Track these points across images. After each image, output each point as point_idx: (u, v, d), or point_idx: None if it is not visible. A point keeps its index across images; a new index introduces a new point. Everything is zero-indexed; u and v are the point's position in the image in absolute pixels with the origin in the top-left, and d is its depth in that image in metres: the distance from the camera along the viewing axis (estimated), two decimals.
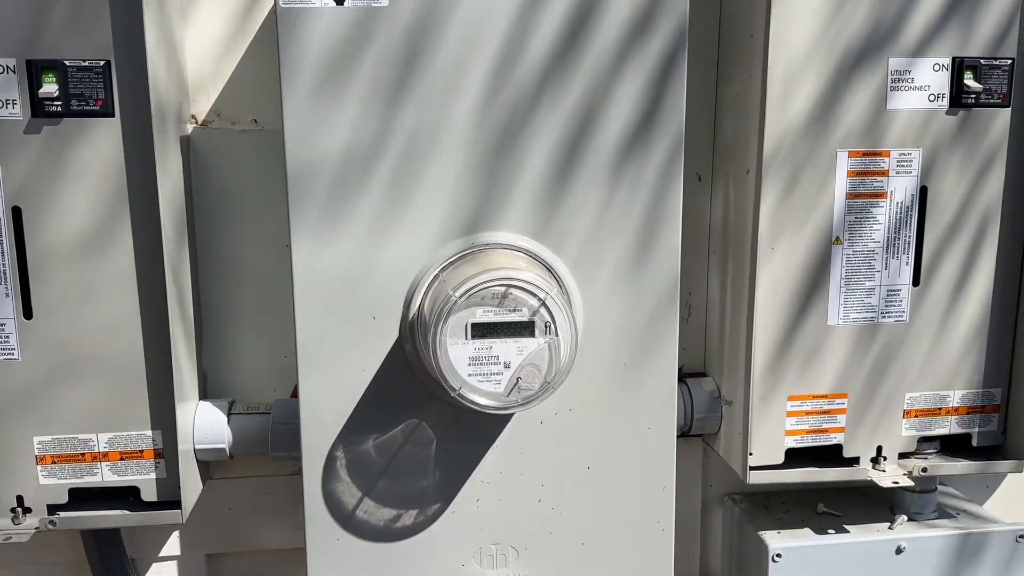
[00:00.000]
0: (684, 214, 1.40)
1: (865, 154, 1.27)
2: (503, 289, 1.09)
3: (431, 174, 1.15)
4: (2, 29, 1.10)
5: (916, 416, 1.36)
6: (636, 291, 1.21)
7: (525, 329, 1.10)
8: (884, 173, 1.28)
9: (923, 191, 1.29)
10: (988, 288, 1.34)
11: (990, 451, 1.40)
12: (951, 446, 1.40)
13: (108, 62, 1.13)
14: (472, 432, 1.22)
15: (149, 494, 1.24)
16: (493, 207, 1.17)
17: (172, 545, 1.44)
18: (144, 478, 1.23)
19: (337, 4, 1.11)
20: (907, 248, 1.31)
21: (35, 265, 1.16)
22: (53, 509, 1.23)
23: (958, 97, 1.27)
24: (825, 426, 1.34)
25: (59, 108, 1.13)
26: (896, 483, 1.31)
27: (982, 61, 1.27)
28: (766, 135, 1.24)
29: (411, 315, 1.17)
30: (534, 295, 1.09)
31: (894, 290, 1.32)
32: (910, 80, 1.26)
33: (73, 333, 1.18)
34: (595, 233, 1.19)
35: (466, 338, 1.09)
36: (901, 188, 1.29)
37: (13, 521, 1.21)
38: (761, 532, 1.37)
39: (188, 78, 1.34)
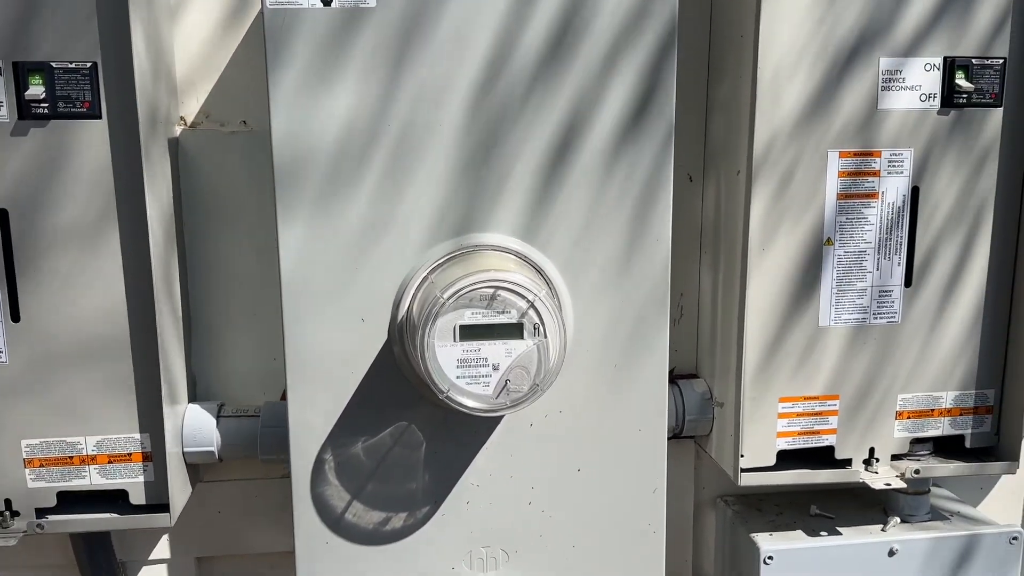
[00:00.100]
0: (675, 215, 1.40)
1: (856, 154, 1.27)
2: (491, 291, 1.08)
3: (420, 176, 1.15)
4: None
5: (908, 417, 1.35)
6: (626, 292, 1.21)
7: (514, 331, 1.09)
8: (876, 173, 1.28)
9: (915, 191, 1.29)
10: (981, 289, 1.33)
11: (983, 452, 1.39)
12: (944, 447, 1.39)
13: (95, 64, 1.12)
14: (462, 434, 1.21)
15: (137, 497, 1.23)
16: (482, 208, 1.17)
17: (162, 548, 1.43)
18: (132, 481, 1.23)
19: (324, 5, 1.10)
20: (899, 249, 1.30)
21: (22, 268, 1.16)
22: (41, 512, 1.22)
23: (950, 97, 1.27)
24: (817, 428, 1.33)
25: (46, 110, 1.12)
26: (888, 485, 1.31)
27: (973, 61, 1.27)
28: (756, 135, 1.23)
29: (400, 317, 1.16)
30: (523, 297, 1.08)
31: (886, 291, 1.31)
32: (901, 80, 1.25)
33: (61, 336, 1.18)
34: (585, 234, 1.19)
35: (454, 340, 1.08)
36: (893, 188, 1.28)
37: (1, 525, 1.20)
38: (753, 534, 1.37)
39: (177, 80, 1.34)
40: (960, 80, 1.26)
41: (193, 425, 1.29)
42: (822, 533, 1.37)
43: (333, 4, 1.10)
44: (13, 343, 1.17)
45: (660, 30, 1.15)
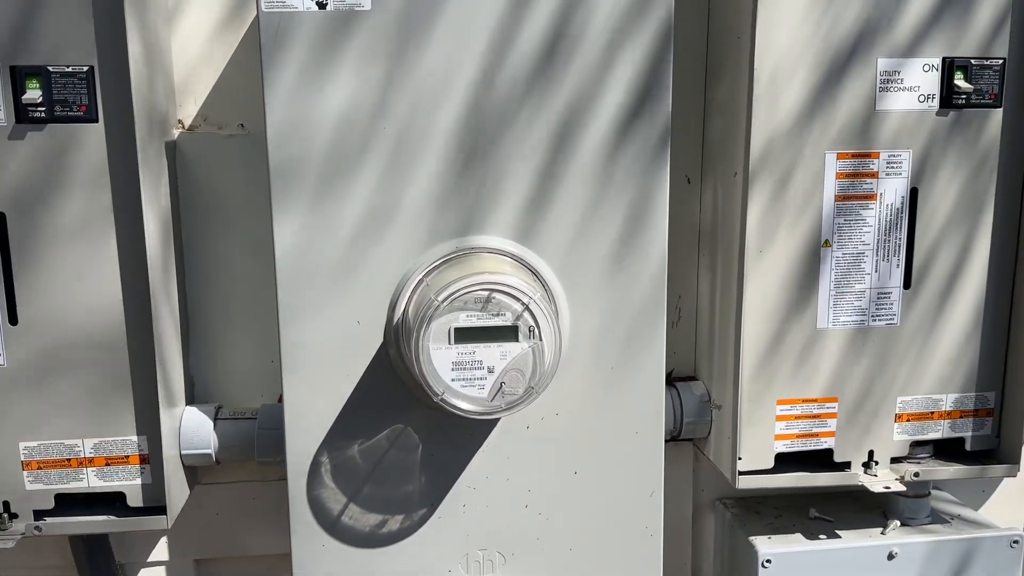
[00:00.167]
0: (674, 217, 1.40)
1: (854, 156, 1.26)
2: (486, 293, 1.08)
3: (416, 178, 1.15)
4: None
5: (908, 420, 1.34)
6: (623, 294, 1.20)
7: (509, 334, 1.09)
8: (874, 175, 1.27)
9: (913, 193, 1.28)
10: (981, 290, 1.33)
11: (984, 455, 1.38)
12: (944, 450, 1.39)
13: (92, 68, 1.13)
14: (458, 437, 1.21)
15: (135, 499, 1.24)
16: (479, 211, 1.16)
17: (160, 550, 1.43)
18: (130, 483, 1.23)
19: (319, 8, 1.11)
20: (898, 250, 1.30)
21: (20, 271, 1.16)
22: (39, 515, 1.22)
23: (948, 98, 1.26)
24: (815, 430, 1.33)
25: (43, 114, 1.13)
26: (888, 488, 1.30)
27: (972, 61, 1.26)
28: (753, 137, 1.23)
29: (396, 319, 1.16)
30: (517, 299, 1.08)
31: (884, 293, 1.30)
32: (900, 81, 1.25)
33: (59, 338, 1.18)
34: (581, 236, 1.18)
35: (449, 343, 1.08)
36: (891, 190, 1.28)
37: None
38: (751, 537, 1.36)
39: (175, 83, 1.34)
40: (959, 81, 1.26)
41: (190, 427, 1.29)
42: (821, 536, 1.37)
43: (328, 7, 1.11)
44: (11, 346, 1.18)
45: (656, 32, 1.15)
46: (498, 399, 1.10)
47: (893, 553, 1.33)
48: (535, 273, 1.17)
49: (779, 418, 1.32)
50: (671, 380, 1.46)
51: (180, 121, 1.35)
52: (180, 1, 1.32)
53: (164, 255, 1.24)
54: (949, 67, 1.25)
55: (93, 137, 1.14)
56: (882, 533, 1.37)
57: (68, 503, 1.23)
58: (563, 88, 1.14)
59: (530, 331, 1.09)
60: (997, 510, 1.57)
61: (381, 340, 1.17)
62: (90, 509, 1.24)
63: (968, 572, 1.35)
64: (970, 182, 1.29)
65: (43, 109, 1.12)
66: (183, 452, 1.28)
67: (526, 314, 1.08)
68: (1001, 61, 1.26)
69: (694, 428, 1.41)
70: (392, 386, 1.19)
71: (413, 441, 1.21)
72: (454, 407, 1.09)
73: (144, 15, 1.19)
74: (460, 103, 1.13)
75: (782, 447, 1.32)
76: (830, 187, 1.26)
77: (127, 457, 1.23)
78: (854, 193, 1.27)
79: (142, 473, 1.23)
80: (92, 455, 1.22)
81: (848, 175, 1.26)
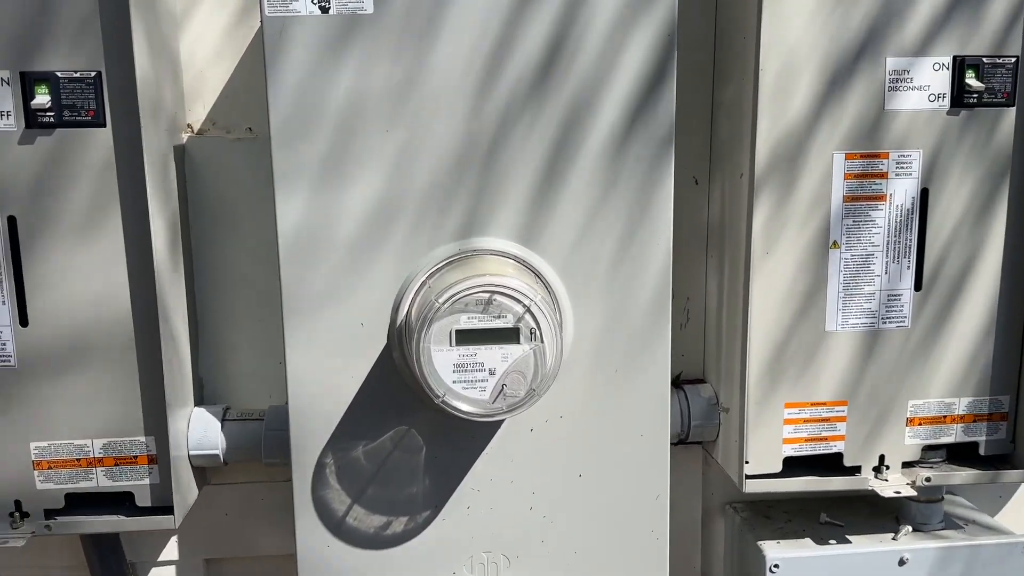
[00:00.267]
0: (682, 219, 1.40)
1: (863, 156, 1.25)
2: (487, 295, 1.08)
3: (419, 180, 1.15)
4: None
5: (920, 424, 1.32)
6: (627, 296, 1.20)
7: (510, 336, 1.09)
8: (883, 175, 1.25)
9: (924, 193, 1.26)
10: (994, 292, 1.30)
11: (998, 460, 1.36)
12: (958, 455, 1.36)
13: (99, 73, 1.14)
14: (462, 439, 1.21)
15: (143, 499, 1.25)
16: (482, 212, 1.17)
17: (171, 550, 1.45)
18: (138, 483, 1.25)
19: (322, 12, 1.11)
20: (908, 252, 1.28)
21: (31, 273, 1.18)
22: (50, 514, 1.24)
23: (959, 97, 1.24)
24: (825, 434, 1.31)
25: (52, 119, 1.14)
26: (898, 493, 1.28)
27: (984, 60, 1.24)
28: (759, 137, 1.22)
29: (399, 322, 1.16)
30: (519, 301, 1.08)
31: (895, 295, 1.29)
32: (909, 80, 1.23)
33: (68, 340, 1.20)
34: (585, 238, 1.18)
35: (450, 345, 1.09)
36: (901, 190, 1.26)
37: (11, 526, 1.23)
38: (760, 542, 1.35)
39: (184, 87, 1.35)
40: (970, 79, 1.24)
41: (198, 428, 1.31)
42: (831, 541, 1.35)
43: (331, 11, 1.11)
44: (22, 347, 1.19)
45: (660, 32, 1.14)
46: (499, 401, 1.10)
47: (904, 559, 1.31)
48: (538, 275, 1.17)
49: (787, 421, 1.30)
50: (679, 383, 1.45)
51: (189, 125, 1.36)
52: (189, 7, 1.33)
53: (171, 258, 1.26)
54: (960, 66, 1.23)
55: (101, 141, 1.16)
56: (893, 539, 1.35)
57: (78, 503, 1.25)
58: (566, 89, 1.14)
59: (531, 333, 1.09)
60: (1014, 517, 1.54)
61: (385, 342, 1.18)
62: (100, 509, 1.25)
63: None
64: (983, 182, 1.27)
65: (52, 114, 1.14)
66: (191, 453, 1.30)
67: (527, 316, 1.08)
68: (1014, 59, 1.24)
69: (702, 431, 1.40)
70: (396, 388, 1.19)
71: (417, 443, 1.21)
72: (455, 409, 1.09)
73: (152, 21, 1.20)
74: (463, 105, 1.14)
75: (790, 451, 1.31)
76: (838, 188, 1.25)
77: (135, 457, 1.24)
78: (863, 194, 1.26)
79: (150, 473, 1.24)
80: (101, 455, 1.23)
81: (857, 176, 1.25)
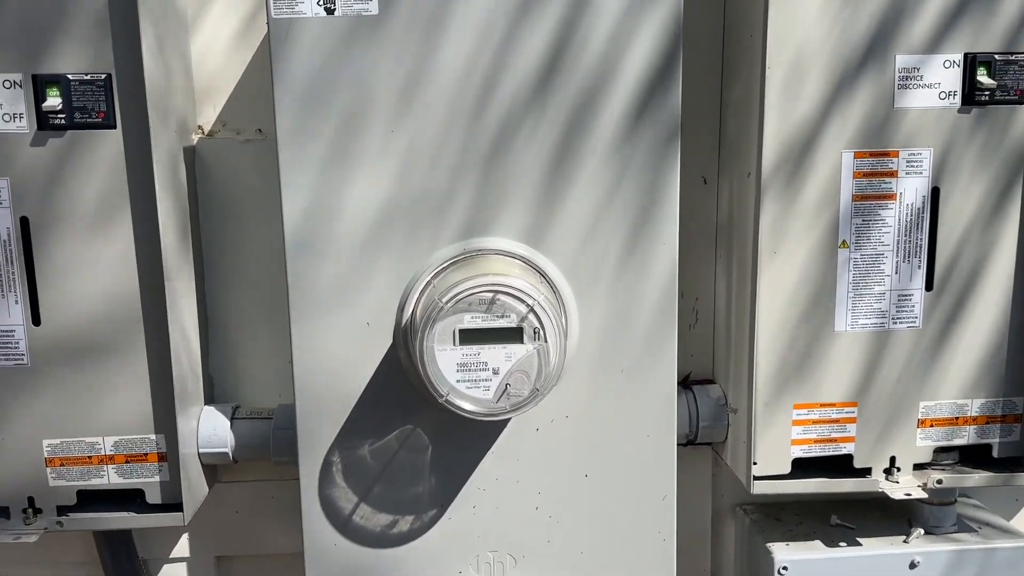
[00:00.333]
0: (690, 219, 1.39)
1: (872, 155, 1.23)
2: (491, 295, 1.08)
3: (425, 180, 1.15)
4: (8, 45, 1.14)
5: (932, 426, 1.31)
6: (633, 297, 1.20)
7: (514, 335, 1.09)
8: (893, 174, 1.24)
9: (935, 192, 1.25)
10: (1008, 292, 1.28)
11: (1012, 462, 1.34)
12: (971, 457, 1.34)
13: (109, 75, 1.16)
14: (467, 438, 1.22)
15: (153, 497, 1.27)
16: (487, 212, 1.17)
17: (182, 547, 1.46)
18: (148, 481, 1.26)
19: (328, 13, 1.12)
20: (919, 251, 1.26)
21: (42, 273, 1.20)
22: (63, 510, 1.26)
23: (971, 95, 1.23)
24: (834, 435, 1.30)
25: (63, 121, 1.16)
26: (908, 495, 1.27)
27: (996, 57, 1.22)
28: (766, 136, 1.21)
29: (404, 321, 1.17)
30: (522, 301, 1.08)
31: (905, 295, 1.27)
32: (919, 78, 1.22)
33: (79, 339, 1.21)
34: (590, 238, 1.18)
35: (454, 344, 1.09)
36: (911, 189, 1.25)
37: (24, 522, 1.25)
38: (769, 543, 1.34)
39: (195, 89, 1.37)
40: (982, 77, 1.22)
41: (208, 426, 1.32)
42: (841, 544, 1.34)
43: (336, 13, 1.12)
44: (34, 346, 1.21)
45: (665, 30, 1.14)
46: (503, 400, 1.10)
47: (915, 562, 1.30)
48: (543, 275, 1.17)
49: (796, 423, 1.29)
50: (688, 383, 1.44)
51: (200, 127, 1.37)
52: (200, 11, 1.35)
53: (180, 258, 1.27)
54: (971, 63, 1.22)
55: (111, 143, 1.17)
56: (905, 541, 1.33)
57: (90, 499, 1.26)
58: (571, 87, 1.14)
59: (535, 333, 1.09)
60: None
61: (390, 342, 1.18)
62: (111, 506, 1.27)
63: None
64: (996, 180, 1.26)
65: (63, 116, 1.16)
66: (200, 451, 1.31)
67: (531, 316, 1.08)
68: None
69: (711, 432, 1.39)
70: (401, 387, 1.19)
71: (423, 442, 1.22)
72: (459, 408, 1.10)
73: (161, 24, 1.21)
74: (468, 104, 1.14)
75: (799, 452, 1.30)
76: (847, 186, 1.24)
77: (146, 455, 1.25)
78: (872, 192, 1.24)
79: (160, 471, 1.26)
80: (112, 453, 1.25)
81: (866, 174, 1.24)
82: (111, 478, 1.26)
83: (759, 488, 1.29)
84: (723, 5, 1.37)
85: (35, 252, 1.19)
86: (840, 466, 1.32)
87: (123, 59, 1.15)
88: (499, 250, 1.17)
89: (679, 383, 1.43)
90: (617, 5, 1.13)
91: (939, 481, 1.29)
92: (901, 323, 1.28)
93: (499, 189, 1.16)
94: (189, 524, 1.29)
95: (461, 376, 1.09)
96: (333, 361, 1.18)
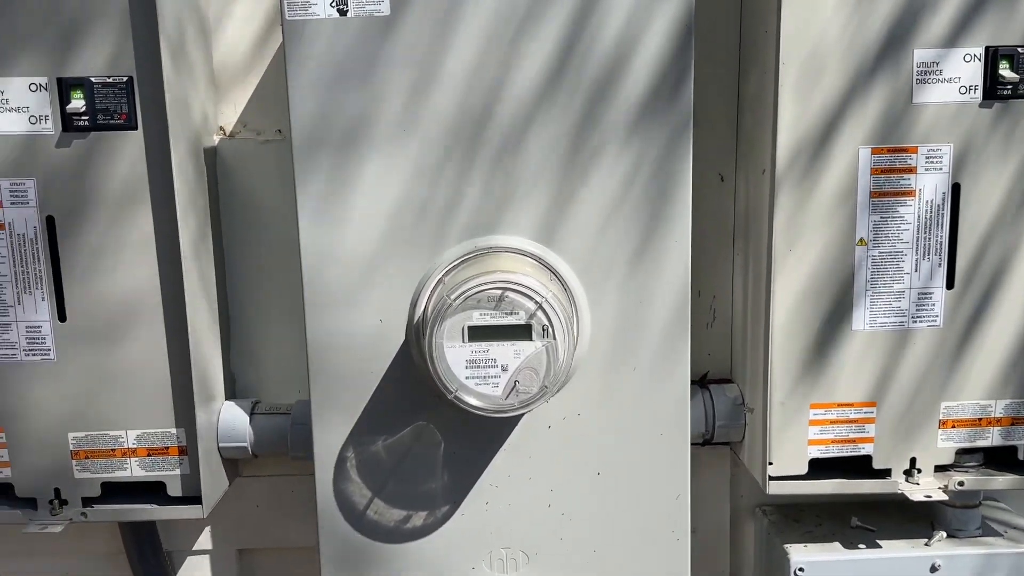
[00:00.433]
0: (707, 216, 1.39)
1: (890, 151, 1.21)
2: (499, 292, 1.09)
3: (437, 179, 1.17)
4: (35, 49, 1.18)
5: (954, 427, 1.28)
6: (645, 294, 1.19)
7: (522, 332, 1.10)
8: (911, 170, 1.22)
9: (956, 188, 1.23)
10: None
11: None
12: (996, 459, 1.31)
13: (131, 78, 1.19)
14: (479, 435, 1.22)
15: (174, 489, 1.29)
16: (499, 210, 1.17)
17: (205, 539, 1.49)
18: (169, 474, 1.29)
19: (340, 15, 1.14)
20: (939, 249, 1.24)
21: (68, 270, 1.23)
22: (87, 502, 1.29)
23: (992, 89, 1.20)
24: (852, 436, 1.28)
25: (86, 122, 1.19)
26: (928, 497, 1.24)
27: (1020, 50, 1.19)
28: (780, 132, 1.20)
29: (416, 318, 1.18)
30: (531, 298, 1.09)
31: (926, 293, 1.25)
32: (938, 72, 1.20)
33: (103, 335, 1.24)
34: (602, 235, 1.18)
35: (463, 341, 1.10)
36: (931, 185, 1.22)
37: (51, 512, 1.28)
38: (786, 544, 1.32)
39: (216, 91, 1.40)
40: (1004, 70, 1.19)
41: (227, 421, 1.34)
42: (860, 546, 1.32)
43: (349, 14, 1.14)
44: (60, 341, 1.25)
45: (677, 26, 1.14)
46: (512, 397, 1.11)
47: (936, 565, 1.27)
48: (554, 272, 1.17)
49: (813, 422, 1.27)
50: (706, 382, 1.43)
51: (221, 127, 1.40)
52: (222, 13, 1.37)
53: (199, 256, 1.30)
54: (993, 56, 1.19)
55: (133, 144, 1.20)
56: (926, 544, 1.31)
57: (114, 491, 1.30)
58: (582, 85, 1.14)
59: (544, 330, 1.09)
60: None
61: (403, 338, 1.20)
62: (134, 497, 1.30)
63: None
64: (1019, 176, 1.23)
65: (87, 118, 1.19)
66: (220, 445, 1.34)
67: (539, 313, 1.09)
68: None
69: (727, 432, 1.38)
70: (414, 384, 1.20)
71: (435, 438, 1.23)
72: (467, 404, 1.10)
73: (182, 27, 1.24)
74: (480, 102, 1.15)
75: (816, 452, 1.28)
76: (864, 183, 1.22)
77: (167, 448, 1.28)
78: (891, 189, 1.22)
79: (180, 464, 1.29)
80: (135, 446, 1.28)
81: (884, 171, 1.22)
82: (134, 471, 1.29)
83: (775, 488, 1.28)
84: (740, 1, 1.36)
85: (60, 250, 1.23)
86: (859, 467, 1.30)
87: (144, 62, 1.18)
88: (510, 248, 1.17)
89: (696, 382, 1.42)
90: (628, 2, 1.13)
91: (961, 483, 1.26)
92: (921, 322, 1.25)
93: (510, 187, 1.17)
94: (212, 517, 1.31)
95: (470, 373, 1.10)
96: (347, 357, 1.20)
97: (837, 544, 1.33)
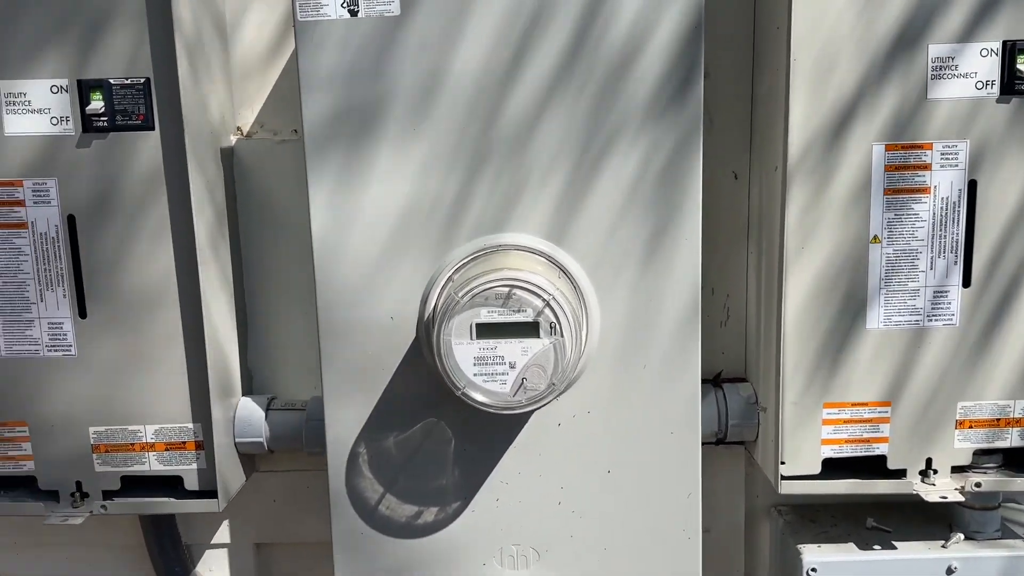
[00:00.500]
0: (721, 214, 1.38)
1: (904, 147, 1.20)
2: (507, 289, 1.09)
3: (448, 177, 1.17)
4: (57, 52, 1.20)
5: (971, 427, 1.26)
6: (656, 292, 1.19)
7: (530, 330, 1.10)
8: (926, 167, 1.21)
9: (972, 185, 1.21)
10: None
11: None
12: (1017, 461, 1.29)
13: (148, 80, 1.21)
14: (489, 432, 1.23)
15: (191, 483, 1.32)
16: (509, 208, 1.18)
17: (223, 533, 1.52)
18: (187, 468, 1.31)
19: (352, 15, 1.15)
20: (955, 246, 1.22)
21: (88, 269, 1.26)
22: (108, 495, 1.32)
23: (1010, 84, 1.18)
24: (867, 436, 1.27)
25: (105, 123, 1.22)
26: (944, 498, 1.23)
27: None
28: (791, 128, 1.19)
29: (426, 315, 1.19)
30: (538, 296, 1.09)
31: (942, 292, 1.23)
32: (953, 67, 1.18)
33: (122, 331, 1.27)
34: (612, 234, 1.18)
35: (471, 338, 1.10)
36: (946, 182, 1.21)
37: (72, 505, 1.31)
38: (799, 545, 1.31)
39: (233, 91, 1.42)
40: (1022, 65, 1.17)
41: (244, 417, 1.37)
42: (875, 547, 1.30)
43: (360, 14, 1.15)
44: (81, 338, 1.28)
45: (687, 21, 1.13)
46: (519, 394, 1.11)
47: (952, 567, 1.26)
48: (563, 270, 1.17)
49: (826, 422, 1.26)
50: (719, 381, 1.42)
51: (239, 128, 1.42)
52: (239, 14, 1.40)
53: (217, 254, 1.32)
54: (1011, 51, 1.17)
55: (150, 144, 1.23)
56: (943, 546, 1.29)
57: (133, 484, 1.32)
58: (591, 83, 1.15)
59: (551, 327, 1.09)
60: None
61: (414, 336, 1.21)
62: (153, 491, 1.33)
63: None
64: None
65: (105, 119, 1.22)
66: (237, 440, 1.36)
67: (547, 310, 1.09)
68: None
69: (741, 431, 1.37)
70: (424, 381, 1.21)
71: (446, 435, 1.23)
72: (475, 401, 1.11)
73: (199, 29, 1.26)
74: (489, 101, 1.15)
75: (830, 452, 1.27)
76: (878, 180, 1.21)
77: (184, 443, 1.31)
78: (905, 186, 1.21)
79: (197, 458, 1.31)
80: (153, 440, 1.31)
81: (898, 167, 1.20)
82: (152, 465, 1.31)
83: (787, 488, 1.27)
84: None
85: (81, 248, 1.26)
86: (874, 468, 1.28)
87: (161, 63, 1.21)
88: (519, 246, 1.18)
89: (710, 381, 1.42)
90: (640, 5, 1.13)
91: (978, 484, 1.24)
92: (937, 320, 1.24)
93: (520, 185, 1.17)
94: (229, 511, 1.33)
95: (478, 370, 1.11)
96: (359, 354, 1.21)
97: (852, 545, 1.32)
